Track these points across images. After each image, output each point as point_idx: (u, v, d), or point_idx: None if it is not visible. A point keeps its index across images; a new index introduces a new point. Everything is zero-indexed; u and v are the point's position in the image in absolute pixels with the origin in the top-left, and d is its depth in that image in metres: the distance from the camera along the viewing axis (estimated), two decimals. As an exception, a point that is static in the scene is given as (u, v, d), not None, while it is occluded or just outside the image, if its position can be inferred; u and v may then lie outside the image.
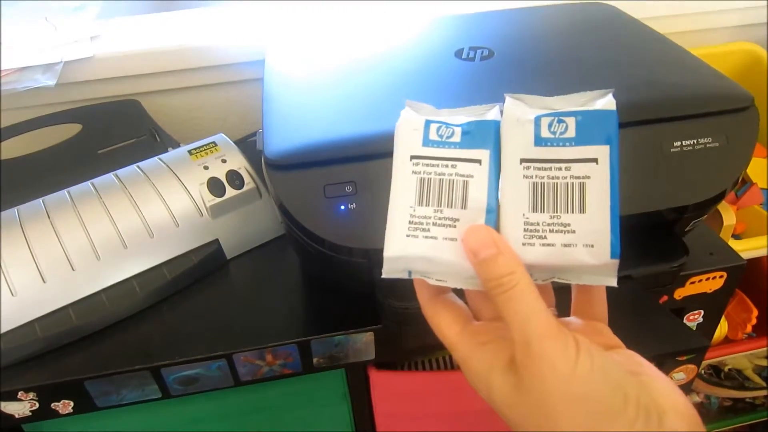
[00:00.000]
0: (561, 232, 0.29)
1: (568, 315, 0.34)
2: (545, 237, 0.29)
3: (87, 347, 0.53)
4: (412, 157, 0.31)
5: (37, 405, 0.52)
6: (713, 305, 0.63)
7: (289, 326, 0.54)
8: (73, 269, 0.53)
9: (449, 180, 0.30)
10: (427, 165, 0.30)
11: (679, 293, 0.59)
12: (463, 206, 0.30)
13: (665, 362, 0.62)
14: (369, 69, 0.55)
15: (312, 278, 0.59)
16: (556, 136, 0.29)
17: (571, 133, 0.29)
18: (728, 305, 0.97)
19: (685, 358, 0.68)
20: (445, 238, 0.30)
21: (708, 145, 0.45)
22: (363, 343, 0.54)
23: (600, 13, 0.63)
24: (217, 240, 0.60)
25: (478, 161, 0.30)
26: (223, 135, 0.65)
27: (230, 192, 0.59)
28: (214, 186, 0.59)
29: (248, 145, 0.69)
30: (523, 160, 0.29)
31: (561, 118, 0.29)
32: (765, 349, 0.99)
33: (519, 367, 0.28)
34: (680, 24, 0.90)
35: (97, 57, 0.77)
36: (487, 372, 0.30)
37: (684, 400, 0.28)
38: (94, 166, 0.63)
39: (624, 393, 0.27)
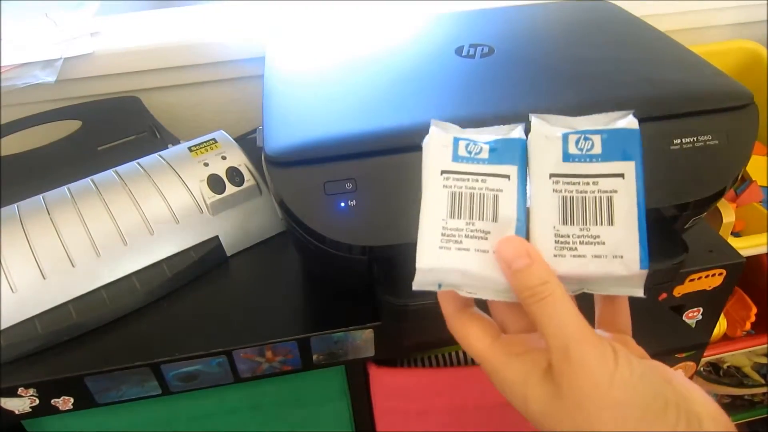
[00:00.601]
0: (591, 243, 0.30)
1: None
2: (576, 248, 0.30)
3: (87, 343, 0.53)
4: (443, 172, 0.32)
5: (37, 401, 0.52)
6: (712, 303, 0.63)
7: (289, 323, 0.54)
8: (73, 266, 0.53)
9: (480, 194, 0.31)
10: (458, 179, 0.31)
11: (679, 290, 0.59)
12: (494, 219, 0.31)
13: (664, 359, 0.61)
14: (369, 66, 0.55)
15: (312, 275, 0.59)
16: (583, 152, 0.31)
17: (597, 149, 0.30)
18: (727, 303, 0.97)
19: (684, 355, 0.69)
20: (477, 250, 0.31)
21: (708, 143, 0.45)
22: (362, 340, 0.54)
23: (600, 11, 0.63)
24: (217, 237, 0.60)
25: (507, 176, 0.31)
26: (223, 132, 0.65)
27: (230, 189, 0.59)
28: (214, 183, 0.59)
29: (248, 142, 0.69)
30: (552, 175, 0.31)
31: (587, 135, 0.31)
32: (764, 346, 0.99)
33: (556, 374, 0.28)
34: (680, 22, 0.90)
35: (97, 53, 0.77)
36: (523, 382, 0.30)
37: (717, 407, 0.28)
38: (94, 163, 0.63)
39: (664, 399, 0.27)
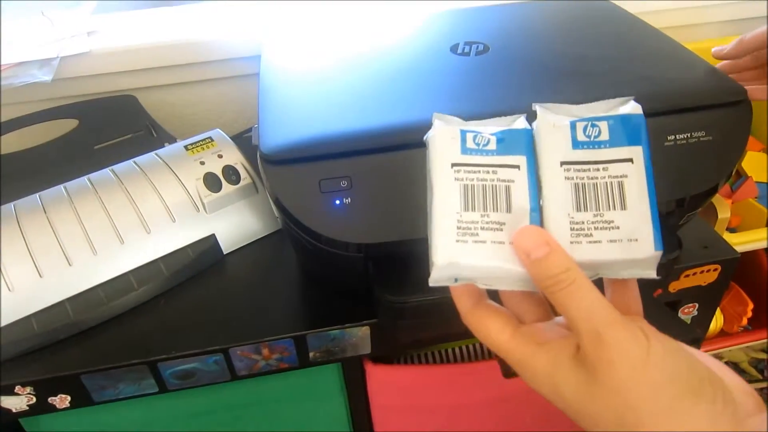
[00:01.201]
0: (606, 229, 0.30)
1: None
2: (591, 234, 0.30)
3: (84, 342, 0.53)
4: (453, 165, 0.31)
5: (35, 399, 0.52)
6: (708, 298, 0.63)
7: (286, 320, 0.54)
8: (69, 264, 0.54)
9: (492, 185, 0.31)
10: (469, 171, 0.31)
11: (674, 286, 0.59)
12: (508, 210, 0.31)
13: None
14: (364, 64, 0.55)
15: (308, 273, 0.59)
16: (591, 139, 0.31)
17: (605, 136, 0.31)
18: (723, 298, 0.98)
19: (680, 351, 0.68)
20: (494, 242, 0.30)
21: (701, 139, 0.45)
22: (359, 337, 0.54)
23: (594, 8, 0.64)
24: (213, 235, 0.60)
25: (517, 167, 0.31)
26: (219, 130, 0.65)
27: (226, 187, 0.60)
28: (211, 181, 0.59)
29: (244, 141, 0.69)
30: (563, 163, 0.31)
31: (594, 122, 0.31)
32: (761, 342, 1.00)
33: (588, 359, 0.28)
34: (675, 18, 0.90)
35: (93, 52, 0.77)
36: (553, 370, 0.29)
37: (743, 381, 0.29)
38: (90, 162, 0.63)
39: (699, 375, 0.27)
